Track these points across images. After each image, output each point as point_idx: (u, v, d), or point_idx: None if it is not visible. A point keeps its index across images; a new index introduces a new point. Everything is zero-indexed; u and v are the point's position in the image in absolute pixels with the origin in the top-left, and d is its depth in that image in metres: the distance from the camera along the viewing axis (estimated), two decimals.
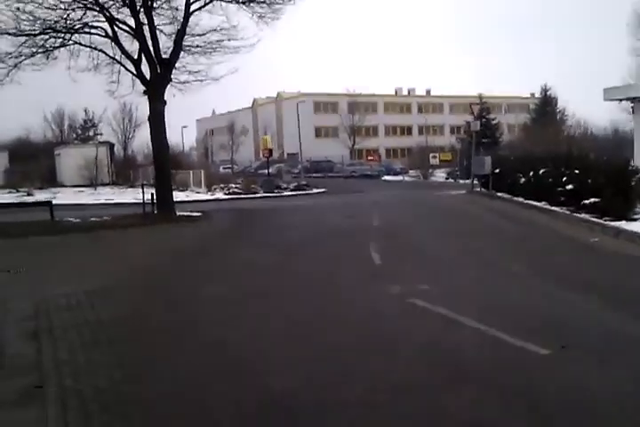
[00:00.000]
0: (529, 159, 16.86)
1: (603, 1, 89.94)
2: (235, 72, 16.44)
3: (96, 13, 15.84)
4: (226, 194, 28.96)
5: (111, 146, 41.61)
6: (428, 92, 78.03)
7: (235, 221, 15.73)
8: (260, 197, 27.83)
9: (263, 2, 15.54)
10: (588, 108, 53.98)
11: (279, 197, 28.58)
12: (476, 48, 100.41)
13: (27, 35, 15.39)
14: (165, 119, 16.32)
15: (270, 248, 10.17)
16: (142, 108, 55.68)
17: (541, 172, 14.63)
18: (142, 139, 57.21)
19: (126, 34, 16.17)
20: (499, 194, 18.46)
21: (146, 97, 16.29)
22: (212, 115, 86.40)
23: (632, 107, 23.49)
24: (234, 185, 31.91)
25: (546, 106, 45.47)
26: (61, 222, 15.01)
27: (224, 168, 55.41)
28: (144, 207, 16.83)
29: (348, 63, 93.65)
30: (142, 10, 15.45)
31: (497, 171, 18.90)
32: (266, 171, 58.20)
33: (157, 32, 15.98)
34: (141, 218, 15.94)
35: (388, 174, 45.97)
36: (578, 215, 12.18)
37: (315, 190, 31.22)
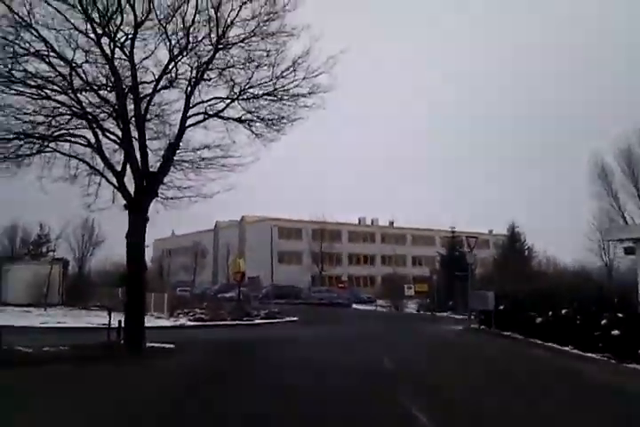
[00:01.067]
0: (543, 297, 15.60)
1: (561, 147, 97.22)
2: (229, 190, 15.21)
3: (79, 121, 14.76)
4: (191, 320, 26.41)
5: (65, 264, 38.97)
6: (392, 223, 79.25)
7: (215, 359, 13.40)
8: (229, 326, 25.40)
9: (270, 121, 14.77)
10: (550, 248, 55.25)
11: (250, 325, 26.24)
12: (439, 183, 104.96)
13: None
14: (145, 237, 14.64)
15: (273, 398, 8.06)
16: (107, 223, 53.88)
17: (563, 312, 13.32)
18: (100, 257, 54.71)
19: (111, 143, 15.03)
20: (504, 333, 16.92)
21: (125, 211, 14.67)
22: (171, 235, 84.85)
23: (631, 247, 23.46)
24: (199, 310, 29.44)
25: (514, 242, 45.98)
26: (10, 352, 12.45)
27: (180, 290, 52.65)
28: (109, 335, 14.46)
29: (313, 190, 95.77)
30: (134, 121, 14.43)
31: (501, 307, 17.58)
32: (226, 295, 55.76)
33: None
34: (106, 349, 13.49)
35: (357, 303, 44.29)
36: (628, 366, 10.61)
37: (287, 318, 29.04)
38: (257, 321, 27.53)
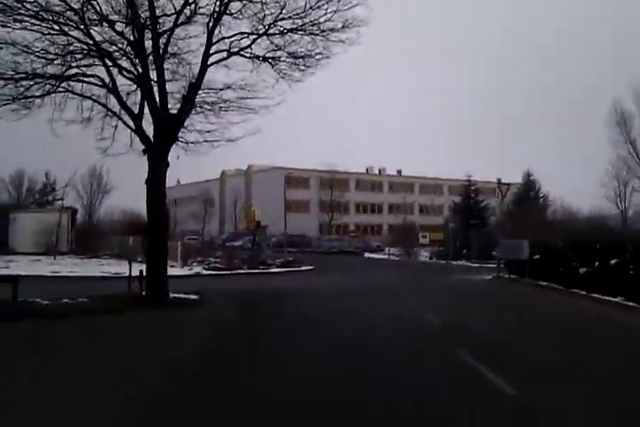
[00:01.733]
0: (585, 246, 14.92)
1: (582, 93, 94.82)
2: (256, 133, 14.24)
3: (92, 59, 13.66)
4: (206, 269, 26.03)
5: (73, 212, 38.34)
6: (399, 171, 78.25)
7: (244, 309, 12.92)
8: (246, 274, 25.04)
9: (300, 57, 13.62)
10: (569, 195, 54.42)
11: (267, 274, 25.86)
12: (451, 132, 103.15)
13: (5, 78, 12.98)
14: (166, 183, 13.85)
15: (323, 359, 7.50)
16: (116, 171, 52.80)
17: (613, 262, 12.69)
18: (109, 206, 53.97)
19: (126, 84, 13.98)
20: (541, 283, 16.40)
21: (141, 157, 13.81)
22: (176, 184, 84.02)
23: None
24: (213, 259, 29.06)
25: (529, 190, 45.13)
26: (27, 304, 11.89)
27: (189, 239, 52.41)
28: (129, 286, 13.94)
29: (320, 139, 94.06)
30: (151, 58, 13.31)
31: (536, 257, 16.99)
32: (235, 243, 55.58)
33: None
34: (130, 300, 12.99)
35: (368, 251, 44.01)
36: None
37: (303, 267, 28.68)
38: (273, 270, 27.15)
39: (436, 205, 74.58)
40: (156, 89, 13.49)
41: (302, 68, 14.28)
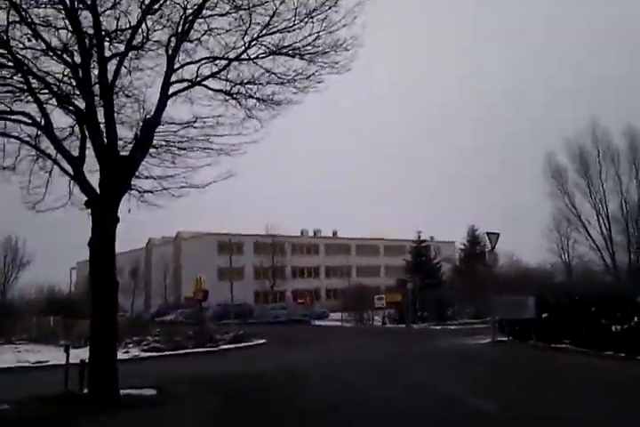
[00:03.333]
0: (611, 301, 13.05)
1: (519, 147, 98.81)
2: (227, 178, 11.61)
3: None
4: (145, 351, 22.22)
5: None
6: (335, 233, 76.74)
7: (221, 411, 9.71)
8: (194, 355, 21.47)
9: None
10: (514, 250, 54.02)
11: (216, 352, 22.37)
12: (388, 191, 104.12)
13: None
14: (114, 244, 10.85)
15: None
16: (31, 240, 47.36)
17: None
18: (27, 281, 48.12)
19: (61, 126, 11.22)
20: (557, 345, 14.26)
21: (87, 210, 10.83)
22: None
23: None
24: (151, 338, 25.13)
25: (475, 246, 44.29)
26: None
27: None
28: (66, 382, 10.53)
29: (251, 203, 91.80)
30: (98, 89, 10.68)
31: (544, 315, 14.97)
32: (166, 318, 50.85)
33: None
34: (68, 403, 9.55)
35: (315, 318, 41.01)
36: None
37: (255, 342, 25.32)
38: (223, 347, 23.65)
39: (374, 265, 73.19)
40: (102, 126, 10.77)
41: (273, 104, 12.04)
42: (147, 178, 11.54)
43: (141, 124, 11.12)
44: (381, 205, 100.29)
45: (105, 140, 10.70)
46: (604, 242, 49.21)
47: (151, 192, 11.58)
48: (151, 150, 11.60)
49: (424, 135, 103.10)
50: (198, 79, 11.34)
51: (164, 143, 11.70)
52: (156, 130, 11.18)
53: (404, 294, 33.01)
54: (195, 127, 11.79)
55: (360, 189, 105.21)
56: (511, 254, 44.97)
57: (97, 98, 10.76)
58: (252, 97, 11.83)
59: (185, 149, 11.65)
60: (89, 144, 11.00)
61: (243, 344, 24.23)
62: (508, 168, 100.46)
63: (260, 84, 11.38)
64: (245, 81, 11.56)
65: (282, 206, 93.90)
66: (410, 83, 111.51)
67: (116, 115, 11.12)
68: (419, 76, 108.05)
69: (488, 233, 19.91)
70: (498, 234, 21.15)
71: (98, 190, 10.68)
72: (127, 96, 11.77)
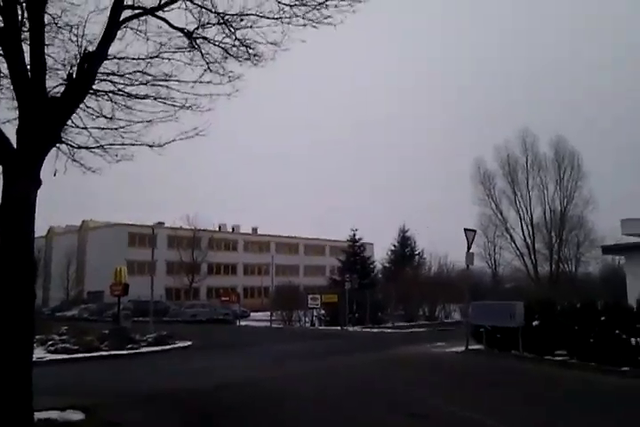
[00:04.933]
0: (621, 310, 11.53)
1: (448, 155, 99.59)
2: (190, 137, 8.90)
3: None
4: (51, 352, 18.77)
5: None
6: (255, 230, 73.96)
7: None
8: (111, 357, 18.33)
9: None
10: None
11: (138, 355, 19.30)
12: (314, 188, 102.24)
13: None
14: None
15: None
16: None
17: None
18: None
19: None
20: (553, 358, 12.65)
21: None
22: None
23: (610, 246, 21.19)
24: (58, 337, 21.54)
25: (405, 247, 43.24)
26: None
27: None
28: None
29: (166, 193, 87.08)
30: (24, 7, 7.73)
31: (535, 323, 13.35)
32: (68, 313, 46.02)
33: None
34: None
35: (239, 318, 38.16)
36: None
37: (180, 344, 22.34)
38: (144, 349, 20.54)
39: (293, 265, 71.18)
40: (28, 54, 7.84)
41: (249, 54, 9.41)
42: (83, 129, 8.65)
43: (79, 58, 8.24)
44: (304, 203, 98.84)
45: (29, 73, 7.78)
46: (527, 250, 50.00)
47: (87, 148, 8.69)
48: (91, 97, 8.76)
49: (353, 132, 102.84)
50: (157, 5, 8.58)
51: (108, 88, 8.83)
52: (100, 70, 8.35)
53: (340, 295, 31.10)
54: (149, 74, 9.04)
55: (284, 188, 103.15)
56: (441, 258, 44.36)
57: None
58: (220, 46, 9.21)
59: (135, 96, 8.85)
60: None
61: (168, 347, 21.22)
62: (441, 172, 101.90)
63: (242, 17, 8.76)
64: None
65: (201, 198, 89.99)
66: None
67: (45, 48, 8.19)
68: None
69: (465, 229, 18.32)
70: (474, 231, 19.62)
71: (17, 142, 7.75)
72: (58, 27, 8.84)
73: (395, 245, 43.28)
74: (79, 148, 8.67)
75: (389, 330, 28.99)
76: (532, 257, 48.94)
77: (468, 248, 18.59)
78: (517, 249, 49.15)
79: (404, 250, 43.09)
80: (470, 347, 15.70)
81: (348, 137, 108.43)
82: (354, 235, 35.68)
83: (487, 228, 49.38)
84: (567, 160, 51.05)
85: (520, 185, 50.32)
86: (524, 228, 50.07)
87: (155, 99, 9.09)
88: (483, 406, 8.67)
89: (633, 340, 10.77)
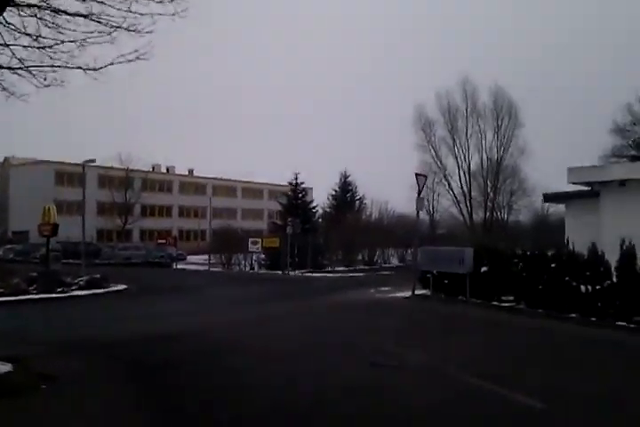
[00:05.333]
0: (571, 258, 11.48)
1: (389, 100, 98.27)
2: (130, 61, 7.75)
3: None
4: None
5: None
6: (191, 171, 71.72)
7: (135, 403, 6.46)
8: (41, 301, 17.24)
9: None
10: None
11: (71, 299, 18.29)
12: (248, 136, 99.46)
13: None
14: None
15: None
16: None
17: None
18: None
19: None
20: (500, 304, 12.68)
21: None
22: None
23: (553, 194, 21.38)
24: None
25: (346, 193, 43.01)
26: None
27: None
28: None
29: (98, 130, 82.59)
30: None
31: (483, 270, 13.30)
32: None
33: None
34: None
35: (176, 261, 37.30)
36: None
37: (114, 288, 21.38)
38: (77, 293, 19.50)
39: (232, 207, 70.07)
40: None
41: None
42: (3, 46, 7.34)
43: None
44: (244, 146, 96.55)
45: None
46: (463, 197, 50.98)
47: (9, 69, 7.41)
48: (12, 11, 7.42)
49: (300, 75, 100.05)
50: None
51: (31, 0, 7.48)
52: None
53: (281, 239, 30.66)
54: None
55: (224, 129, 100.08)
56: (383, 204, 44.47)
57: None
58: None
59: (64, 12, 7.55)
60: None
61: (102, 290, 20.24)
62: (381, 118, 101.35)
63: None
64: None
65: (134, 136, 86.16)
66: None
67: None
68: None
69: (417, 174, 17.89)
70: (425, 176, 19.29)
71: None
72: None
73: (336, 191, 43.00)
74: (1, 68, 7.38)
75: (330, 275, 29.01)
76: (468, 204, 50.03)
77: (419, 193, 18.34)
78: (454, 196, 50.08)
79: (345, 195, 42.90)
80: (417, 292, 15.67)
81: (295, 75, 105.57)
82: (296, 178, 34.94)
83: (427, 174, 49.75)
84: (505, 109, 51.62)
85: (459, 133, 50.70)
86: (462, 175, 50.89)
87: (86, 17, 7.81)
88: (444, 354, 8.46)
89: (583, 287, 10.84)
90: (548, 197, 20.93)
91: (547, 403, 5.91)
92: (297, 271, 29.95)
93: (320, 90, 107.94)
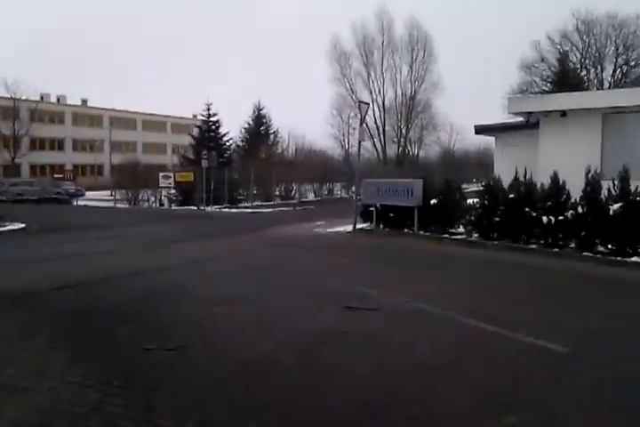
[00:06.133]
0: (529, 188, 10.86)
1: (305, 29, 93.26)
2: None
3: None
4: None
5: None
6: (85, 101, 65.91)
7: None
8: None
9: None
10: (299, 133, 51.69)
11: None
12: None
13: None
14: None
15: None
16: None
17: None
18: None
19: None
20: (456, 237, 12.00)
21: None
22: None
23: (484, 126, 20.82)
24: None
25: (260, 125, 40.91)
26: None
27: None
28: None
29: None
30: None
31: (433, 202, 12.50)
32: None
33: None
34: None
35: (75, 197, 34.29)
36: None
37: (9, 226, 18.93)
38: None
39: (130, 141, 65.76)
40: None
41: None
42: None
43: None
44: (144, 75, 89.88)
45: None
46: (377, 132, 50.49)
47: None
48: None
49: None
50: None
51: None
52: None
53: (195, 174, 28.64)
54: None
55: (119, 57, 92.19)
56: (299, 138, 43.03)
57: None
58: None
59: None
60: None
61: None
62: (297, 49, 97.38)
63: None
64: None
65: (20, 61, 77.47)
66: None
67: None
68: None
69: (359, 102, 16.52)
70: (368, 104, 17.99)
71: None
72: None
73: (249, 124, 40.82)
74: None
75: (250, 210, 27.66)
76: (382, 139, 49.76)
77: (361, 122, 17.14)
78: (369, 131, 49.42)
79: (259, 129, 40.88)
80: (358, 226, 14.79)
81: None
82: (208, 109, 32.36)
83: (342, 108, 48.66)
84: (420, 44, 50.88)
85: (375, 66, 49.56)
86: (376, 110, 50.19)
87: None
88: (421, 293, 7.63)
89: (545, 218, 10.35)
90: (480, 130, 20.51)
91: (561, 344, 5.22)
92: (213, 207, 28.34)
93: (231, 18, 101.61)
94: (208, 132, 32.64)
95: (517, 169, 12.20)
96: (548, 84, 40.44)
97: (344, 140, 51.06)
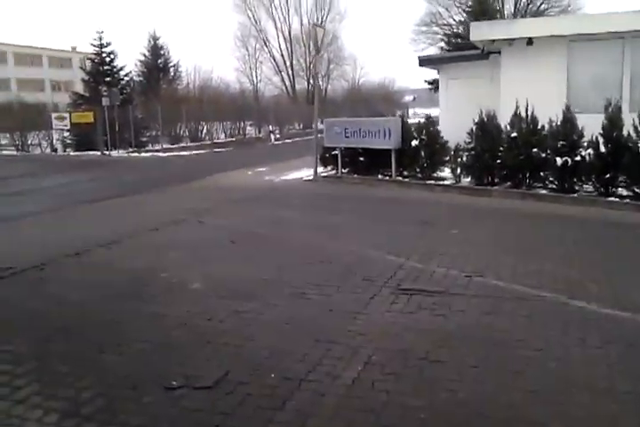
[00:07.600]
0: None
1: None
2: None
3: None
4: None
5: None
6: None
7: None
8: None
9: None
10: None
11: None
12: None
13: None
14: None
15: None
16: None
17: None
18: None
19: None
20: (437, 182, 10.57)
21: None
22: None
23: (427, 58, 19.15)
24: None
25: (157, 58, 36.64)
26: None
27: None
28: None
29: None
30: None
31: (414, 143, 10.89)
32: None
33: None
34: None
35: None
36: None
37: None
38: None
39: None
40: None
41: None
42: None
43: None
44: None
45: None
46: (285, 65, 47.51)
47: None
48: None
49: None
50: None
51: None
52: None
53: (95, 114, 24.89)
54: None
55: None
56: (207, 73, 39.26)
57: None
58: None
59: None
60: None
61: None
62: None
63: None
64: None
65: None
66: None
67: None
68: None
69: (315, 25, 14.14)
70: (324, 28, 15.65)
71: None
72: None
73: (145, 55, 36.43)
74: None
75: (163, 154, 24.75)
76: (290, 73, 46.95)
77: (317, 51, 15.00)
78: (276, 64, 46.44)
79: (157, 61, 36.67)
80: (320, 172, 12.94)
81: None
82: (100, 39, 27.92)
83: (247, 39, 45.03)
84: None
85: None
86: (282, 42, 47.00)
87: None
88: (470, 261, 6.18)
89: (559, 159, 9.14)
90: (424, 61, 19.04)
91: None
92: (119, 151, 25.09)
93: None
94: (102, 65, 28.44)
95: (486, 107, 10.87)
96: (463, 15, 39.33)
97: (252, 75, 47.72)
